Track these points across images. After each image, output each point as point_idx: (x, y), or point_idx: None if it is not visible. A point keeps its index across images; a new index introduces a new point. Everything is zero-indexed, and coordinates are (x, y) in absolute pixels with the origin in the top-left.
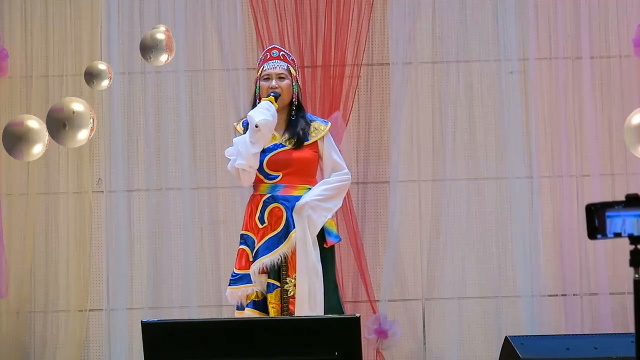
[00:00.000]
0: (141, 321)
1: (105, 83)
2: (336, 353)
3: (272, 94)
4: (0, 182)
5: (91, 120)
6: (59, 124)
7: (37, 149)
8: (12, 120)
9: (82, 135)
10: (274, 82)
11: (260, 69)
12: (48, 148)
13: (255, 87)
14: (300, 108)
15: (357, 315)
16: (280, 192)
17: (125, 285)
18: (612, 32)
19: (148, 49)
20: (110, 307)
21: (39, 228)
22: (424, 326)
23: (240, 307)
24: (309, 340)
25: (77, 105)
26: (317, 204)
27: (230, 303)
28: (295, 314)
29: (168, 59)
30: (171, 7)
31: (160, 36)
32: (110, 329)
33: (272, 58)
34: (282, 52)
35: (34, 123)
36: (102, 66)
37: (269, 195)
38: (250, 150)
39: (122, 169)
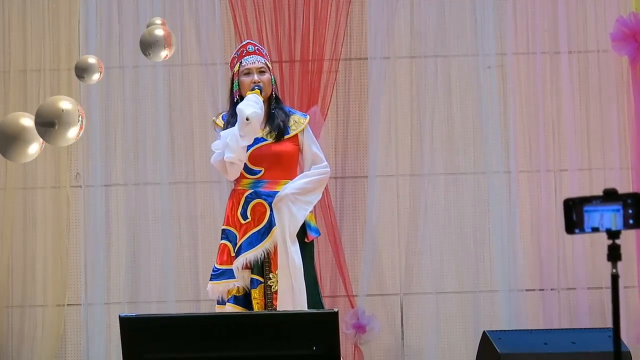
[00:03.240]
0: (119, 316)
1: (96, 77)
2: (314, 348)
3: (256, 87)
4: None
5: (80, 118)
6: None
7: (33, 149)
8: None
9: (72, 133)
10: (255, 77)
11: (238, 65)
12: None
13: (232, 84)
14: (278, 101)
15: (335, 310)
16: (262, 188)
17: (103, 279)
18: (590, 26)
19: (147, 45)
20: (88, 301)
21: (17, 223)
22: (402, 321)
23: (221, 302)
24: (287, 335)
25: (65, 104)
26: (297, 197)
27: (209, 298)
28: (278, 309)
29: (168, 55)
30: (149, 0)
31: (159, 32)
32: (88, 323)
33: (248, 53)
34: (257, 47)
35: (28, 121)
36: (92, 60)
37: (252, 191)
38: (240, 144)
39: (100, 164)
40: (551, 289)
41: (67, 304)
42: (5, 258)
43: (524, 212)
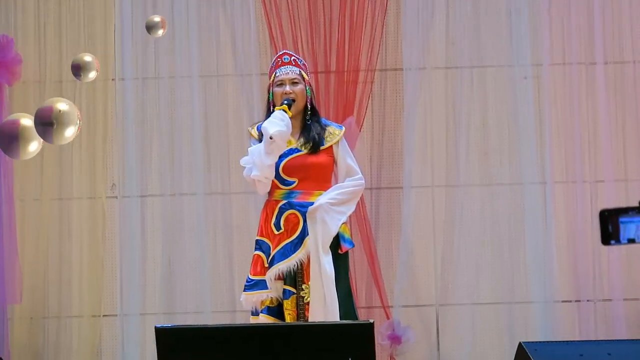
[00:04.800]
0: (155, 327)
1: (92, 75)
2: (350, 359)
3: (285, 101)
4: (14, 187)
5: (77, 120)
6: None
7: (33, 147)
8: (7, 118)
9: (69, 132)
10: (287, 88)
11: (273, 76)
12: (60, 152)
13: (268, 94)
14: (314, 112)
15: (371, 321)
16: (296, 199)
17: (139, 290)
18: (626, 37)
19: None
20: (124, 312)
21: (53, 234)
22: (437, 332)
23: (255, 313)
24: (323, 346)
25: (62, 105)
26: (331, 207)
27: (244, 308)
28: (310, 321)
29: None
30: (185, 12)
31: (88, 58)
32: (124, 334)
33: (283, 64)
34: (293, 57)
35: (28, 120)
36: (88, 58)
37: (285, 201)
38: (265, 162)
39: (136, 175)
40: (587, 300)
41: (103, 315)
42: (41, 269)
43: (559, 223)
